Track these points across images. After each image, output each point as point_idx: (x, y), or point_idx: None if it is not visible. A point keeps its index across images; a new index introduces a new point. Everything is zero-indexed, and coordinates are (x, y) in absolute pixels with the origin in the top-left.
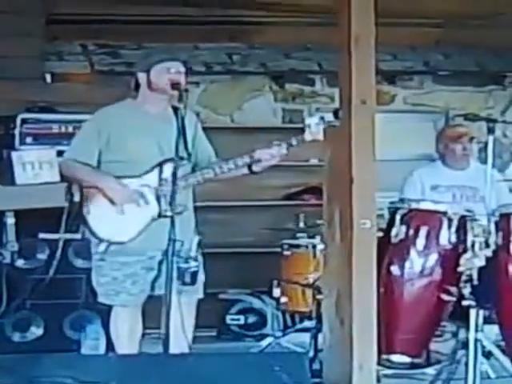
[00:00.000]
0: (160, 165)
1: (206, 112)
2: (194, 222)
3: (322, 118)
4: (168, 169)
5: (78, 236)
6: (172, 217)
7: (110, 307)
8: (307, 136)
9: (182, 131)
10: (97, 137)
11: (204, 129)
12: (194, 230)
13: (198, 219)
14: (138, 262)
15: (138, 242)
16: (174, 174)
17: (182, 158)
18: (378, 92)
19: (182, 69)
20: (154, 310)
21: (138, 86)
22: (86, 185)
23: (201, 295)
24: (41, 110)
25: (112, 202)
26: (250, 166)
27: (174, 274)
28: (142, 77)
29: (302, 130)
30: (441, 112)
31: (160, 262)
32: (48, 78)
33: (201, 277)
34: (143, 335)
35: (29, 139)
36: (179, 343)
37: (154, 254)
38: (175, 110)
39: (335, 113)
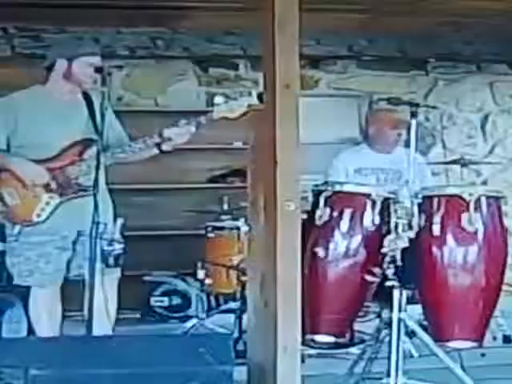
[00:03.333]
0: (70, 147)
1: (129, 95)
2: (111, 204)
3: (230, 98)
4: (78, 151)
5: None
6: (94, 196)
7: (28, 289)
8: (215, 114)
9: (92, 114)
10: (4, 123)
11: (128, 112)
12: (112, 212)
13: (122, 202)
14: (50, 241)
15: (50, 222)
16: (84, 156)
17: (92, 140)
18: (302, 76)
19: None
20: (74, 292)
21: (49, 69)
22: None
23: (119, 275)
24: None
25: (24, 184)
26: (159, 146)
27: (98, 256)
28: (60, 64)
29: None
30: (364, 96)
31: (74, 242)
32: None
33: (126, 260)
34: (64, 317)
35: None
36: (102, 325)
37: (67, 234)
38: (85, 93)
39: (259, 97)
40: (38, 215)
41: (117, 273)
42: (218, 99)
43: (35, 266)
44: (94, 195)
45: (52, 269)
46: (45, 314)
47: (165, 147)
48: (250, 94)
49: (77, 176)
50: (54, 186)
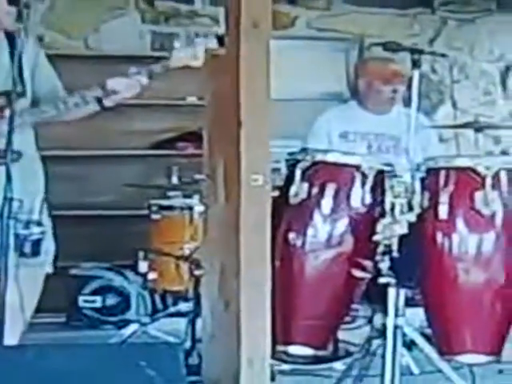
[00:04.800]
0: None
1: (52, 35)
2: (41, 175)
3: (192, 40)
4: None
5: None
6: (6, 165)
7: None
8: (173, 61)
9: (16, 61)
10: None
11: (50, 56)
12: (41, 186)
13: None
14: None
15: None
16: (6, 111)
17: (17, 94)
18: (275, 13)
19: None
20: None
21: None
22: None
23: (48, 269)
24: None
25: None
26: (100, 101)
27: (11, 242)
28: None
29: None
30: (354, 40)
31: None
32: None
33: (49, 247)
34: None
35: None
36: (15, 330)
37: None
38: (8, 35)
39: (220, 39)
40: None
41: (43, 266)
42: (176, 43)
43: None
44: (6, 164)
45: None
46: None
47: (107, 102)
48: (206, 35)
49: None
50: None
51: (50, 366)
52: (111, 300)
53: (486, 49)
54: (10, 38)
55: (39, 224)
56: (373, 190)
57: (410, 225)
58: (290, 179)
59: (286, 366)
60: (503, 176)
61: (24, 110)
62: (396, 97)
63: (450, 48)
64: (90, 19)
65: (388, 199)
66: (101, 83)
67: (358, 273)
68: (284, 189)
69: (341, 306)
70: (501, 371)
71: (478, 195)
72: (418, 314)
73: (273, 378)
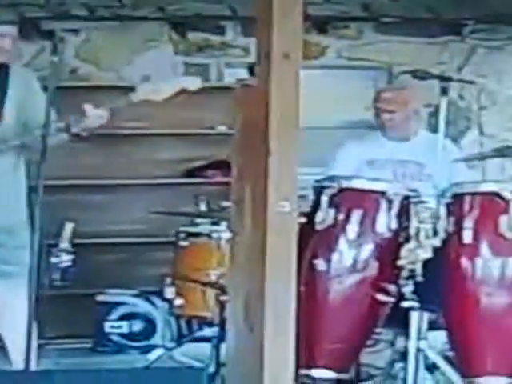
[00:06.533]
0: None
1: (86, 67)
2: (24, 204)
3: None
4: None
5: None
6: None
7: None
8: (136, 95)
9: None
10: None
11: (85, 88)
12: (25, 216)
13: (68, 201)
14: None
15: None
16: None
17: None
18: (306, 43)
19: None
20: None
21: None
22: None
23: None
24: None
25: None
26: (68, 129)
27: None
28: None
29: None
30: (383, 68)
31: None
32: None
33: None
34: None
35: None
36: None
37: None
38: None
39: (250, 69)
40: None
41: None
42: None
43: None
44: None
45: None
46: None
47: (76, 130)
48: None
49: None
50: None
51: None
52: (137, 326)
53: None
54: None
55: (68, 252)
56: (398, 215)
57: (435, 250)
58: (316, 206)
59: None
60: None
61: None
62: (415, 118)
63: (478, 75)
64: (123, 51)
65: (413, 224)
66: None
67: (381, 297)
68: (310, 215)
69: (364, 329)
70: None
71: (503, 219)
72: (440, 337)
73: None
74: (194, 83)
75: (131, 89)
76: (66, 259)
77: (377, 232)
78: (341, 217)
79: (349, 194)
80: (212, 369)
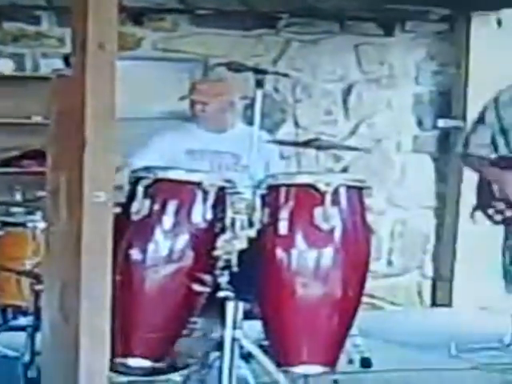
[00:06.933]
0: None
1: None
2: None
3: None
4: None
5: None
6: None
7: None
8: None
9: None
10: None
11: None
12: None
13: None
14: None
15: None
16: None
17: None
18: (121, 34)
19: None
20: None
21: None
22: None
23: None
24: None
25: None
26: None
27: None
28: None
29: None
30: (199, 60)
31: None
32: None
33: None
34: None
35: None
36: None
37: None
38: None
39: (66, 59)
40: None
41: None
42: None
43: None
44: None
45: None
46: None
47: None
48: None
49: None
50: None
51: None
52: None
53: (328, 69)
54: None
55: None
56: (214, 206)
57: (250, 240)
58: (132, 196)
59: (124, 378)
60: (342, 192)
61: None
62: (228, 109)
63: (293, 68)
64: None
65: (229, 215)
66: None
67: (197, 287)
68: (126, 206)
69: (179, 319)
70: (336, 381)
71: (318, 211)
72: (255, 327)
73: None
74: (6, 66)
75: None
76: None
77: (192, 222)
78: (156, 207)
79: (164, 184)
80: (27, 358)
